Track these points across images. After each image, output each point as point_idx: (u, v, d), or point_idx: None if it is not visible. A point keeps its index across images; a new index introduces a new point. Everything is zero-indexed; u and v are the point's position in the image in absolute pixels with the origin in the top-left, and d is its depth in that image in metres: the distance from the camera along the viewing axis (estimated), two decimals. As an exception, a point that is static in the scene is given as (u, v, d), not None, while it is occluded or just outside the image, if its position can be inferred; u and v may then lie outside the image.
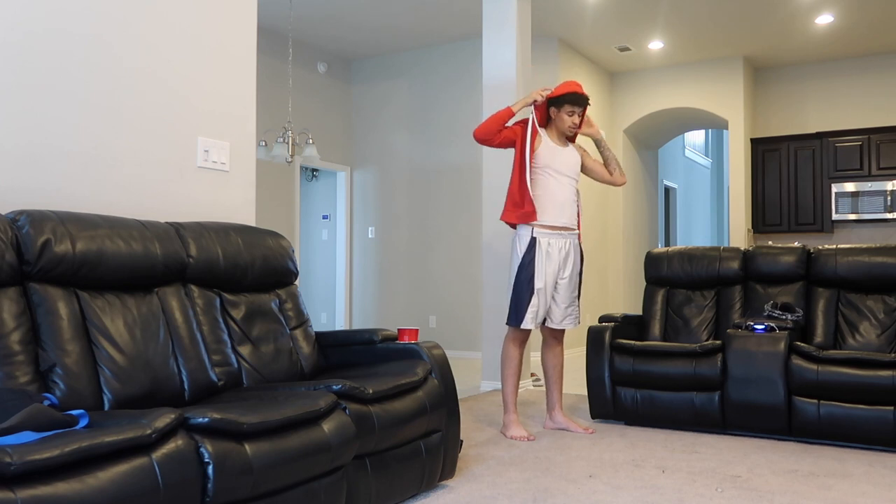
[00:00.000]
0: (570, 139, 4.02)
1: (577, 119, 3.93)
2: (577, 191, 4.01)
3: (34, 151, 2.50)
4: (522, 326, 3.86)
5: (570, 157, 3.97)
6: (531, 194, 3.82)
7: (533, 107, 3.94)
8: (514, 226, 3.95)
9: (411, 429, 2.60)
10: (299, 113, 7.50)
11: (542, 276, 3.84)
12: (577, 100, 3.89)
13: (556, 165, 3.89)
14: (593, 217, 7.96)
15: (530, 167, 3.84)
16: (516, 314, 3.87)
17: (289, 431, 2.05)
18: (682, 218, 11.53)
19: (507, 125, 3.91)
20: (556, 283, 3.91)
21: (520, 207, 3.85)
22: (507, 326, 4.06)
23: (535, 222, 3.84)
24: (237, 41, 3.28)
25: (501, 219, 3.96)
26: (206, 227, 2.77)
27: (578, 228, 4.02)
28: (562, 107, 3.91)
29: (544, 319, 3.94)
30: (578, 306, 4.02)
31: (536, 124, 3.91)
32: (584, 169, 4.08)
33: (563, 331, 4.04)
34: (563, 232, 3.90)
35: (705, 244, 9.61)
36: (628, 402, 4.12)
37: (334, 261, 8.55)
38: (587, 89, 7.85)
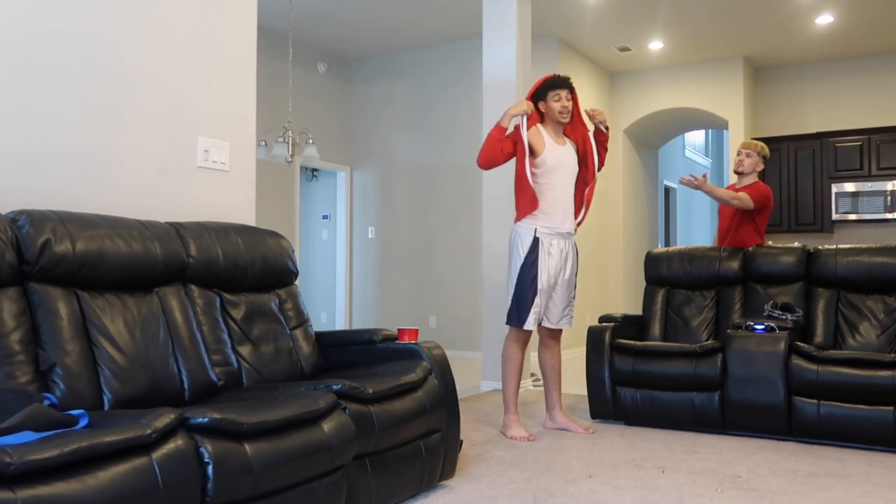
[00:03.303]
0: (567, 129, 3.99)
1: (566, 102, 3.88)
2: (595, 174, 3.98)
3: (34, 151, 2.50)
4: (525, 327, 3.84)
5: (570, 155, 3.96)
6: (536, 195, 3.81)
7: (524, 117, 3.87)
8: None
9: (411, 429, 2.60)
10: (299, 113, 7.49)
11: (546, 277, 3.83)
12: (555, 83, 3.87)
13: (563, 169, 3.88)
14: (593, 217, 7.94)
15: (532, 170, 3.82)
16: (518, 315, 3.85)
17: (289, 431, 2.05)
18: (682, 218, 11.53)
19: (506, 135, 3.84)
20: (556, 283, 3.90)
21: (529, 202, 3.81)
22: (506, 327, 4.04)
23: (539, 224, 3.83)
24: (237, 41, 3.28)
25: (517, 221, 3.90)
26: (206, 227, 2.77)
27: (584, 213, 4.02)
28: (545, 96, 3.88)
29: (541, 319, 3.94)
30: (573, 306, 4.02)
31: (524, 129, 3.85)
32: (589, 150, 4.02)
33: (560, 331, 4.04)
34: (563, 233, 3.91)
35: (705, 244, 9.60)
36: (628, 402, 4.12)
37: (334, 261, 8.55)
38: (587, 89, 7.88)
